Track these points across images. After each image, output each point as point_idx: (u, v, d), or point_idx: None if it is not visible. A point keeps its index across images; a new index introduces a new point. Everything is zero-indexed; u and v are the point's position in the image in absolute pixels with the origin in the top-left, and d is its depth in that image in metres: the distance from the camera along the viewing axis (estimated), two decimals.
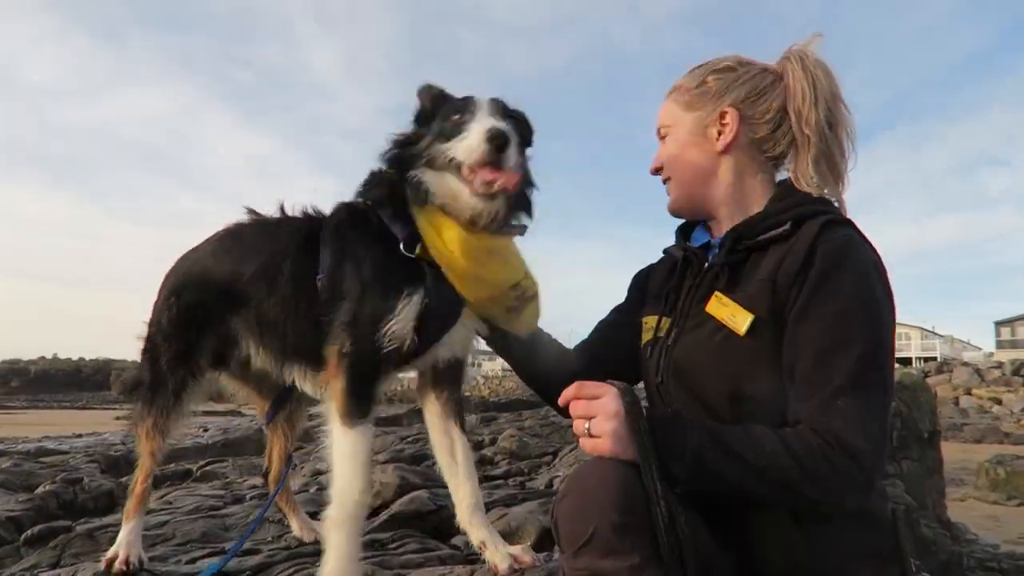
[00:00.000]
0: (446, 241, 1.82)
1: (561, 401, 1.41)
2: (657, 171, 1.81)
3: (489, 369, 64.93)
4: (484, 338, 2.05)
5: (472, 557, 2.45)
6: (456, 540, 2.63)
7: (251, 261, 2.11)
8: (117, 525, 2.72)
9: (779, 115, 1.67)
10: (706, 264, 1.67)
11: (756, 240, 1.55)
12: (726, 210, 1.70)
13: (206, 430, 10.13)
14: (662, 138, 1.78)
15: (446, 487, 3.34)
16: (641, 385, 1.79)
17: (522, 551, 2.03)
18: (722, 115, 1.68)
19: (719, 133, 1.68)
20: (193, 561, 2.37)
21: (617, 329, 1.94)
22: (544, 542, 2.49)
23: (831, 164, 1.65)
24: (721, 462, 1.27)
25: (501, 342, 2.03)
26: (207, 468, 4.64)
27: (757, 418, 1.38)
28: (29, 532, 2.68)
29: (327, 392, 1.92)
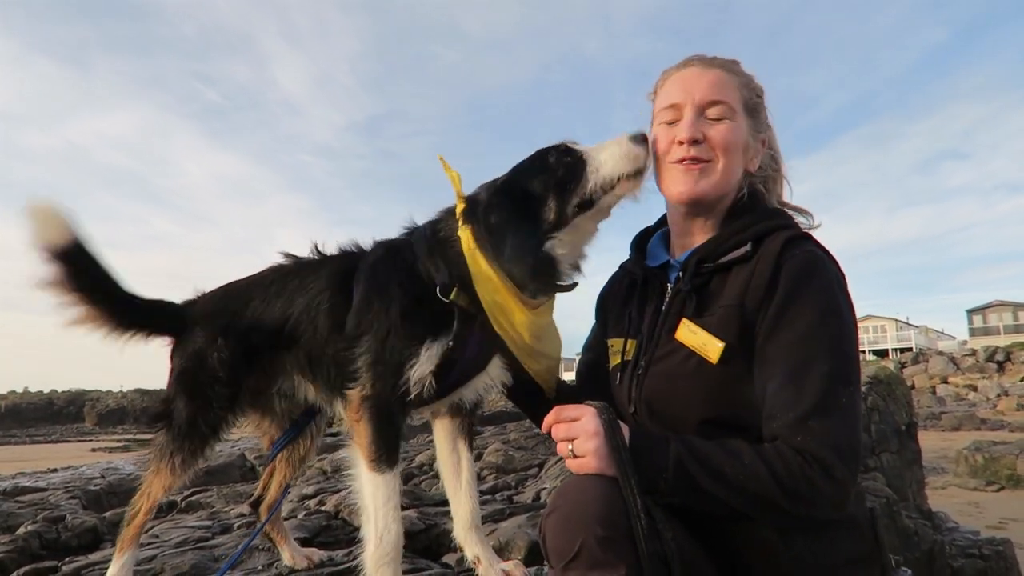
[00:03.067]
0: (516, 324, 1.82)
1: (544, 428, 1.44)
2: (695, 141, 1.63)
3: None
4: (506, 388, 2.02)
5: (463, 574, 2.48)
6: (447, 558, 2.64)
7: (298, 300, 2.12)
8: (104, 563, 2.71)
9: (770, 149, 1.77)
10: (669, 286, 1.68)
11: (718, 263, 1.57)
12: (713, 223, 1.70)
13: None
14: (713, 117, 1.64)
15: (434, 505, 3.37)
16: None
17: (514, 567, 2.06)
18: (762, 140, 1.73)
19: (756, 154, 1.72)
20: None
21: (600, 369, 1.91)
22: (534, 556, 2.52)
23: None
24: (700, 475, 1.31)
25: (520, 394, 2.04)
26: (191, 499, 4.60)
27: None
28: (14, 575, 2.65)
29: (353, 434, 1.92)
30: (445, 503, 3.52)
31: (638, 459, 1.31)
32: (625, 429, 1.36)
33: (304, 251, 2.22)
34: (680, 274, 1.63)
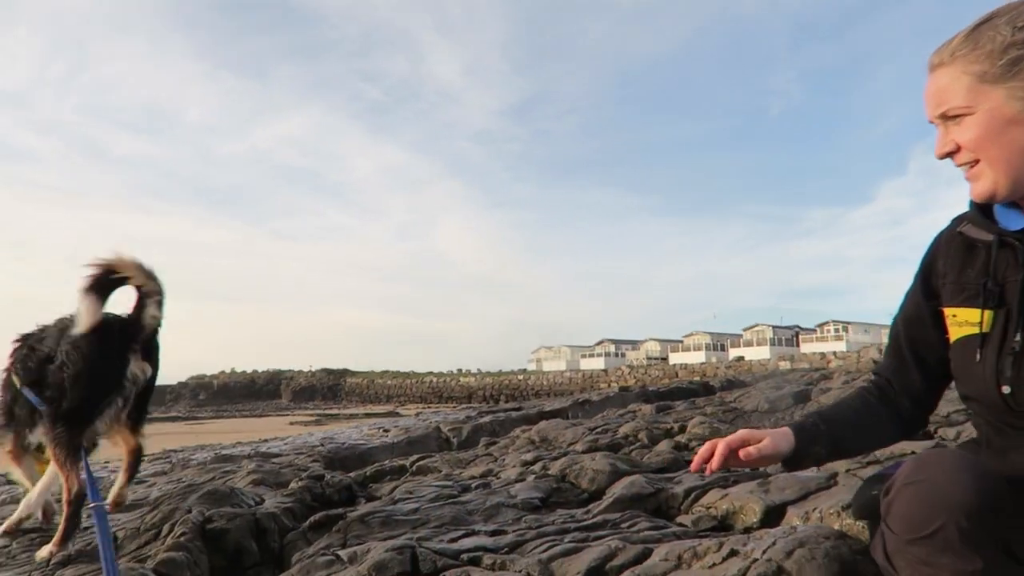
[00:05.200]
0: None
1: None
2: (949, 155, 1.55)
3: (633, 358, 64.49)
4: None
5: (703, 533, 2.67)
6: (681, 519, 2.85)
7: None
8: (378, 512, 3.18)
9: None
10: None
11: None
12: None
13: (387, 431, 10.87)
14: (951, 117, 1.52)
15: (654, 472, 3.58)
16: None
17: None
18: None
19: None
20: (455, 540, 2.74)
21: (928, 346, 1.73)
22: (769, 518, 2.65)
23: None
24: None
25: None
26: (420, 463, 5.14)
27: None
28: (313, 519, 3.18)
29: None
30: (663, 470, 3.73)
31: None
32: None
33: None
34: None
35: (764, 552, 1.99)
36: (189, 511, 3.15)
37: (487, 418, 9.08)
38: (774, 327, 59.82)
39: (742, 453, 1.54)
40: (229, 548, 2.93)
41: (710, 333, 63.46)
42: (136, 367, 2.90)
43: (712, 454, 1.54)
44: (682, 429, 5.22)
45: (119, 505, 3.29)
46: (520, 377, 59.74)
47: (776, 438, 1.60)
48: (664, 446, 4.60)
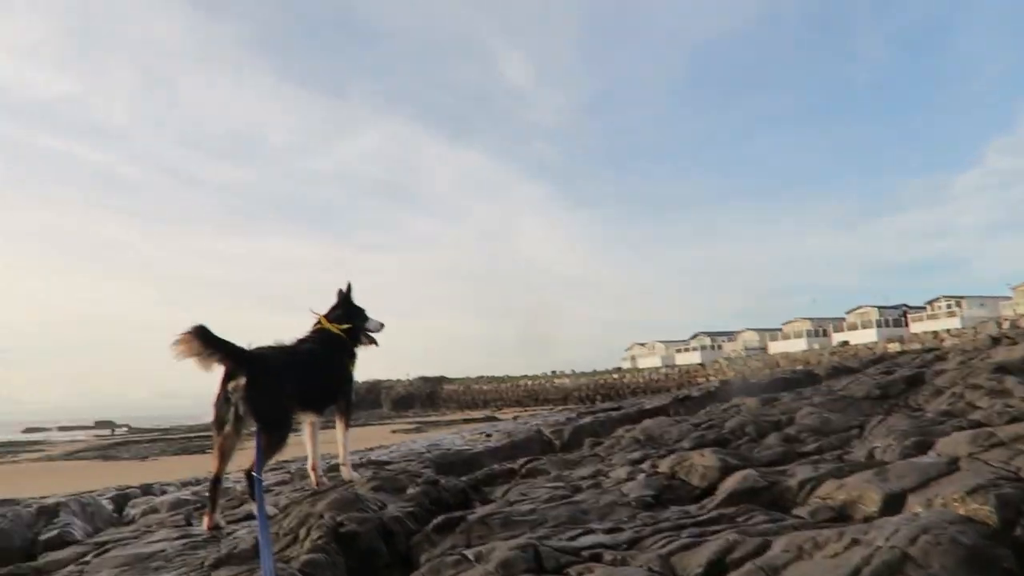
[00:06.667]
0: None
1: None
2: None
3: (731, 350, 62.83)
4: None
5: (823, 525, 2.67)
6: (798, 511, 2.85)
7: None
8: (499, 513, 3.32)
9: None
10: None
11: None
12: None
13: (489, 436, 11.07)
14: None
15: (765, 466, 3.57)
16: None
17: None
18: None
19: None
20: (573, 538, 2.84)
21: None
22: (888, 508, 2.62)
23: None
24: None
25: None
26: (528, 466, 5.28)
27: None
28: (436, 521, 3.36)
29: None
30: (774, 463, 3.72)
31: None
32: None
33: None
34: None
35: (887, 539, 1.99)
36: (321, 516, 3.39)
37: (587, 419, 9.13)
38: (879, 308, 56.85)
39: None
40: (361, 549, 3.14)
41: (810, 319, 60.99)
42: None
43: None
44: (790, 421, 5.14)
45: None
46: (615, 376, 59.26)
47: None
48: (773, 439, 4.56)
